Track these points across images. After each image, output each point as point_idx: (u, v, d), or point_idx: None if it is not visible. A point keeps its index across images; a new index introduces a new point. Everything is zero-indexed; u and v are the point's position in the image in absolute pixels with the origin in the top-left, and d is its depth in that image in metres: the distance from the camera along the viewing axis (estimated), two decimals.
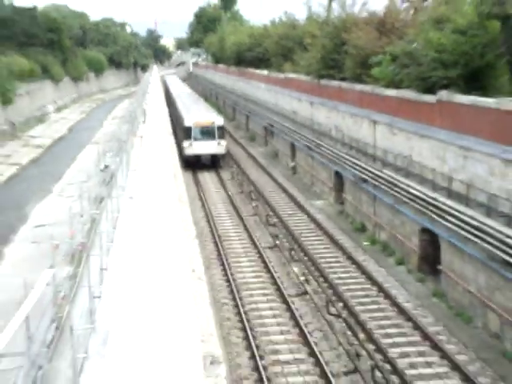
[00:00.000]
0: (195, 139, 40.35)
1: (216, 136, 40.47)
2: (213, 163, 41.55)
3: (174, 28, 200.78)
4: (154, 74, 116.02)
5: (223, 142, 41.22)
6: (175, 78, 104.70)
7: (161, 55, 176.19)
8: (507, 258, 15.61)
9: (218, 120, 41.91)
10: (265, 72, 51.20)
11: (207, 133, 40.56)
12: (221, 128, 41.39)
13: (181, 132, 43.20)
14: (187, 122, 40.92)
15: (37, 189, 35.81)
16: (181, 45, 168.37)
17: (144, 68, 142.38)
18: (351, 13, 35.02)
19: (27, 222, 29.35)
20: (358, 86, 28.78)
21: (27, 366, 8.31)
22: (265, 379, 14.81)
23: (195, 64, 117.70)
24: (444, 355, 15.99)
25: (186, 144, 40.24)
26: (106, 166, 30.50)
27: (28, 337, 8.12)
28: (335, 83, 32.23)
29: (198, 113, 44.57)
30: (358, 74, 29.27)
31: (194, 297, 13.66)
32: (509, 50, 20.43)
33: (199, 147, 40.37)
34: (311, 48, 37.35)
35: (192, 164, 40.73)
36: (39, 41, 78.91)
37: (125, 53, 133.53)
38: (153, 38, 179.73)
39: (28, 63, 69.72)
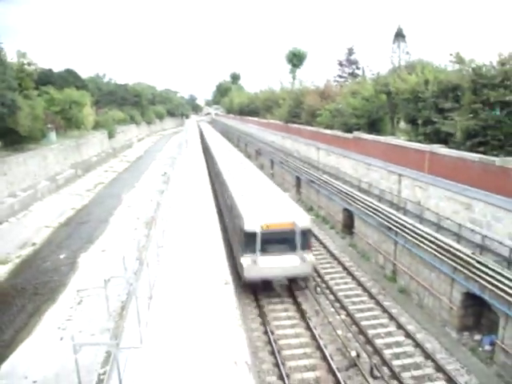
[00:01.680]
0: (263, 252, 13.04)
1: (298, 247, 13.21)
2: (290, 287, 14.70)
3: (204, 93, 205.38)
4: (193, 120, 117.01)
5: (309, 257, 13.52)
6: (204, 122, 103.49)
7: (196, 109, 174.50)
8: (389, 225, 15.94)
9: (302, 219, 13.38)
10: (256, 119, 51.07)
11: (283, 241, 13.23)
12: (306, 233, 13.42)
13: (235, 235, 14.95)
14: (249, 225, 12.91)
15: (127, 185, 35.84)
16: (208, 103, 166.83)
17: (187, 116, 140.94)
18: (305, 86, 35.31)
19: (122, 203, 29.44)
20: (309, 128, 28.75)
21: (124, 284, 8.59)
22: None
23: (216, 114, 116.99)
24: (354, 278, 16.36)
25: (245, 260, 13.16)
26: (165, 173, 30.71)
27: (124, 268, 8.39)
28: (296, 126, 32.17)
29: (264, 206, 14.20)
30: (309, 120, 29.36)
31: (216, 247, 13.89)
32: (390, 110, 20.86)
33: (269, 265, 13.10)
34: (282, 105, 37.35)
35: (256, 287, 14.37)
36: (129, 102, 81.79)
37: (176, 108, 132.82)
38: (192, 99, 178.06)
39: (123, 115, 71.60)
